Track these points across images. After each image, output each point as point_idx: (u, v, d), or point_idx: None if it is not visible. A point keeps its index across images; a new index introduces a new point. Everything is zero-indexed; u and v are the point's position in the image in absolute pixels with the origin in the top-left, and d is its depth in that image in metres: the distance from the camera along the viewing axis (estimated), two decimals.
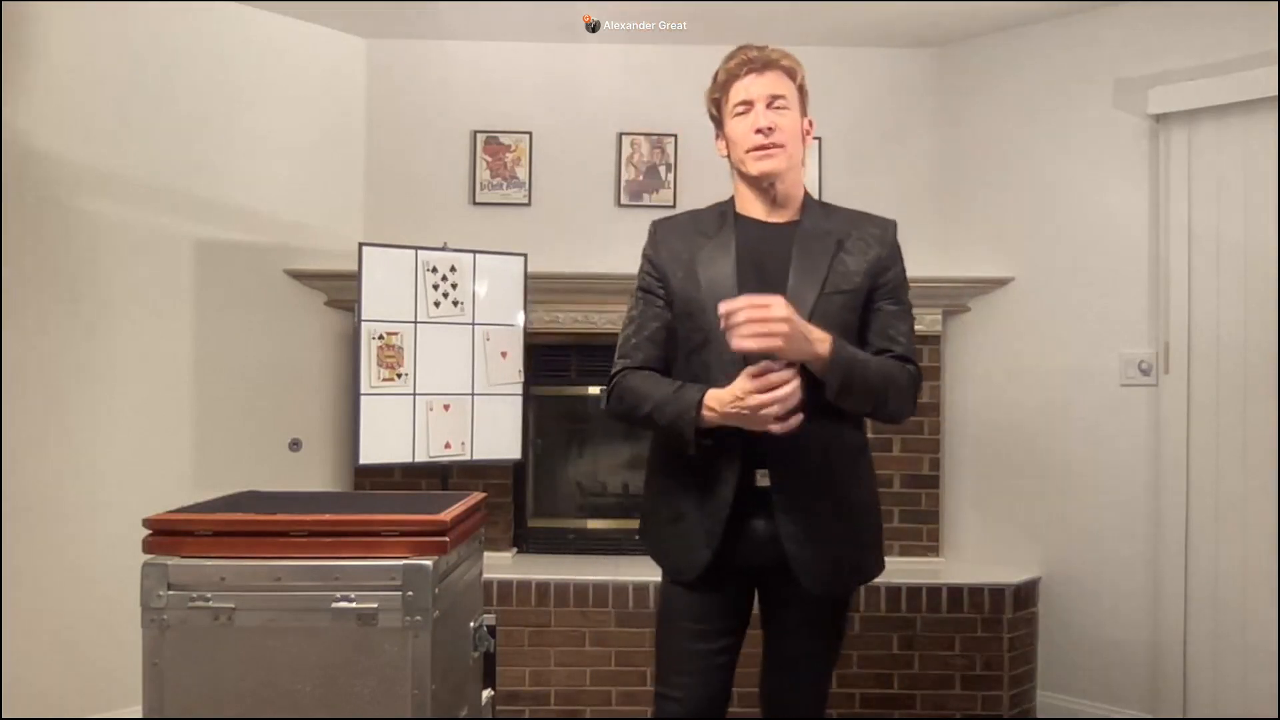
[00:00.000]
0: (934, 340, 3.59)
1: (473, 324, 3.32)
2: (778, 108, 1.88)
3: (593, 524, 3.85)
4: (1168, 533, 3.17)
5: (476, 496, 2.06)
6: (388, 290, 3.18)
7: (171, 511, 1.80)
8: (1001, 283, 3.55)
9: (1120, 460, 3.29)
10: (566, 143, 3.75)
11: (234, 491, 2.12)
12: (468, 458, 3.31)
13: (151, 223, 3.26)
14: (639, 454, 3.71)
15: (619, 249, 3.60)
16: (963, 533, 3.64)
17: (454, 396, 3.28)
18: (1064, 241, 3.42)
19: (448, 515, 1.78)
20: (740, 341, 1.67)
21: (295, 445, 3.52)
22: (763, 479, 1.85)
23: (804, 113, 1.95)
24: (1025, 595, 3.35)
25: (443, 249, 3.30)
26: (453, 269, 3.29)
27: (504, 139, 3.74)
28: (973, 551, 3.61)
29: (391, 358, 3.19)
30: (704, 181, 3.56)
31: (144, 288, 3.25)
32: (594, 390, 3.81)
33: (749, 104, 1.89)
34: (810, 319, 1.78)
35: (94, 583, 3.06)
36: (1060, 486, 3.42)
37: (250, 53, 3.48)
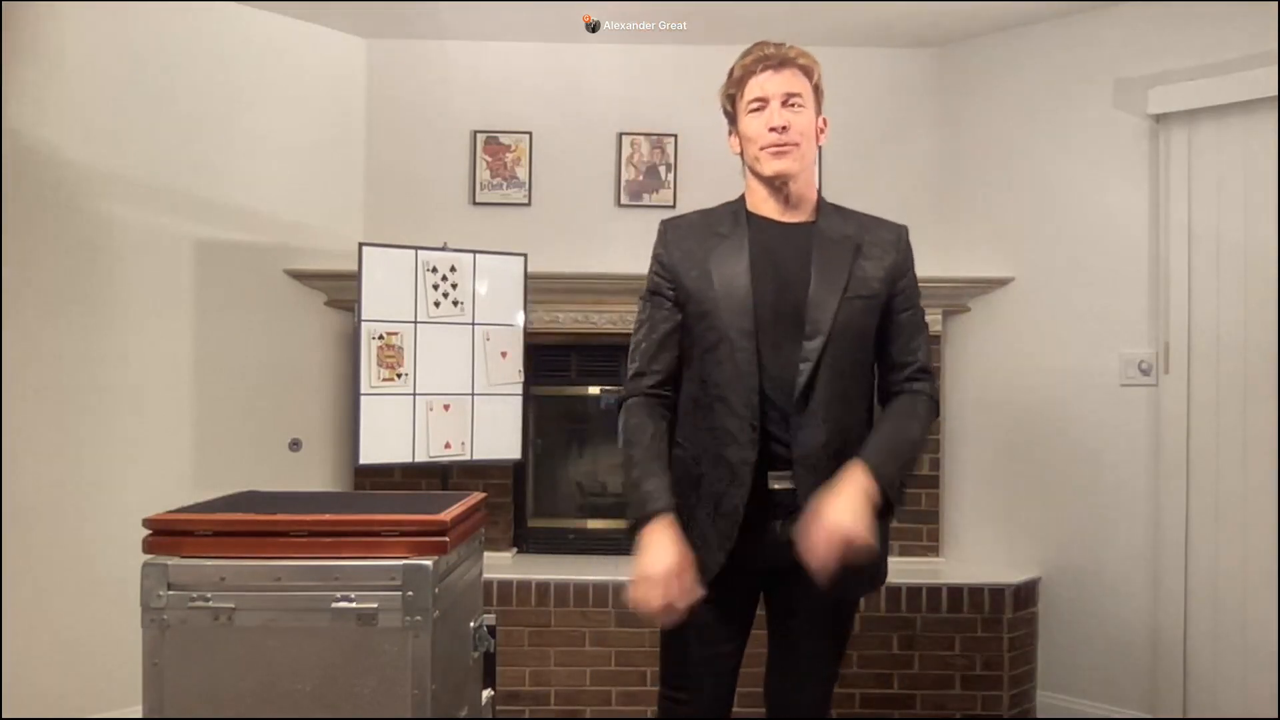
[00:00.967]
0: (934, 340, 3.58)
1: (473, 324, 3.32)
2: (793, 106, 1.86)
3: (593, 524, 3.85)
4: (1168, 533, 3.17)
5: (476, 496, 2.06)
6: (388, 290, 3.18)
7: (171, 511, 1.80)
8: (1002, 283, 3.55)
9: (1120, 460, 3.29)
10: (566, 143, 3.75)
11: (234, 491, 2.12)
12: (468, 458, 3.31)
13: (151, 223, 3.26)
14: None
15: (619, 249, 3.61)
16: (963, 533, 3.64)
17: (454, 396, 3.28)
18: (1064, 241, 3.42)
19: (448, 515, 1.78)
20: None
21: (295, 445, 3.52)
22: (774, 482, 1.85)
23: (819, 112, 1.93)
24: (1025, 595, 3.35)
25: (443, 249, 3.30)
26: (453, 269, 3.29)
27: (504, 139, 3.74)
28: (973, 551, 3.61)
29: (391, 358, 3.19)
30: (704, 181, 3.57)
31: (144, 288, 3.25)
32: (594, 390, 3.81)
33: (764, 101, 1.87)
34: (833, 324, 1.80)
35: (94, 583, 3.06)
36: (1060, 486, 3.42)
37: (250, 53, 3.48)
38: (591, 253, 3.65)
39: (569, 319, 3.65)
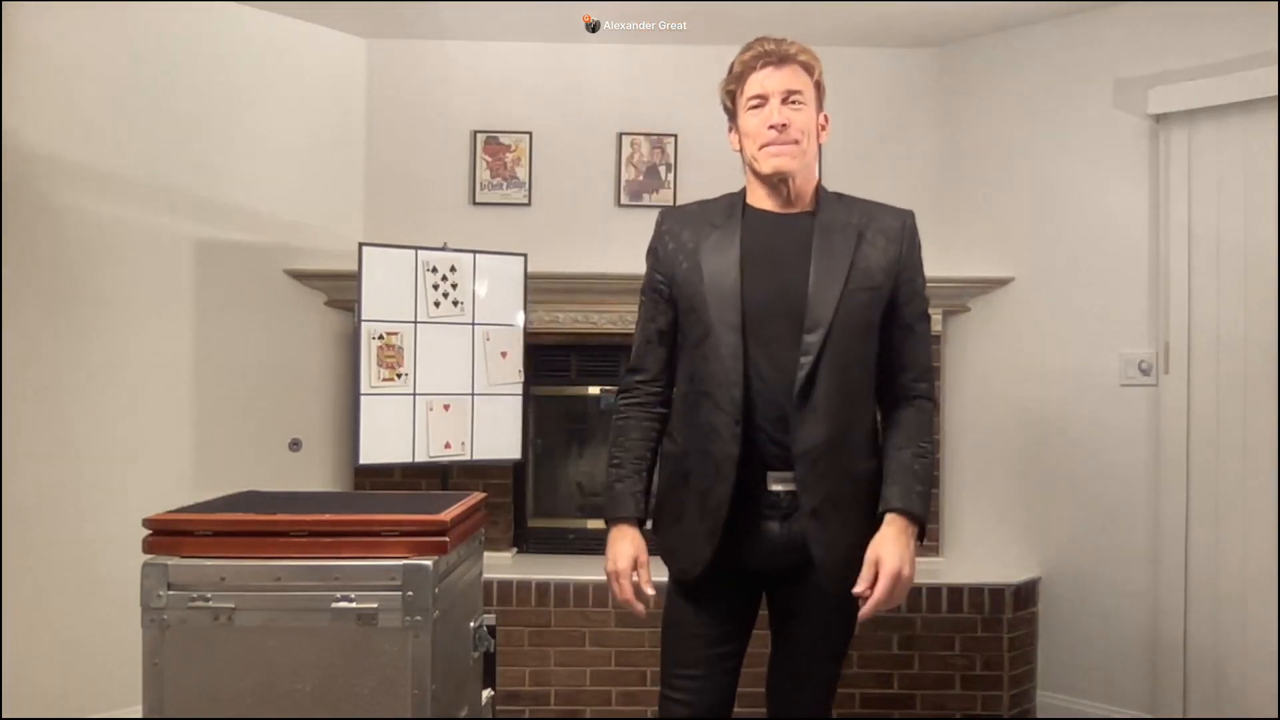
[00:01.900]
0: (934, 340, 3.59)
1: (473, 324, 3.32)
2: (793, 103, 1.84)
3: (593, 524, 3.84)
4: (1168, 533, 3.17)
5: (476, 496, 2.06)
6: (388, 290, 3.18)
7: (171, 511, 1.80)
8: (1002, 283, 3.55)
9: (1120, 460, 3.29)
10: (566, 143, 3.75)
11: (234, 491, 2.12)
12: (468, 458, 3.31)
13: (151, 223, 3.26)
14: None
15: (619, 249, 3.60)
16: (963, 533, 3.64)
17: (454, 396, 3.28)
18: (1064, 241, 3.42)
19: (448, 515, 1.78)
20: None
21: (295, 445, 3.52)
22: (775, 484, 1.84)
23: (820, 109, 1.91)
24: (1025, 595, 3.35)
25: (443, 249, 3.30)
26: (453, 269, 3.29)
27: (504, 139, 3.74)
28: (973, 551, 3.61)
29: (391, 358, 3.19)
30: (704, 181, 3.54)
31: (144, 288, 3.25)
32: (594, 390, 3.81)
33: (764, 98, 1.85)
34: (834, 316, 1.80)
35: (94, 583, 3.06)
36: (1060, 486, 3.42)
37: (250, 53, 3.48)
38: (591, 253, 3.65)
39: (569, 319, 3.65)
